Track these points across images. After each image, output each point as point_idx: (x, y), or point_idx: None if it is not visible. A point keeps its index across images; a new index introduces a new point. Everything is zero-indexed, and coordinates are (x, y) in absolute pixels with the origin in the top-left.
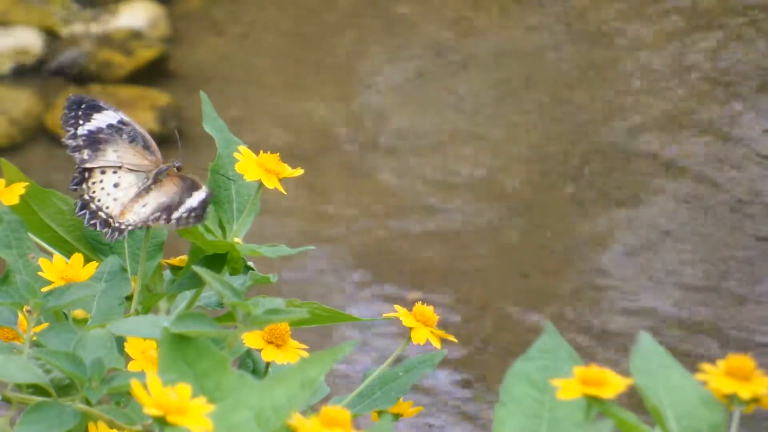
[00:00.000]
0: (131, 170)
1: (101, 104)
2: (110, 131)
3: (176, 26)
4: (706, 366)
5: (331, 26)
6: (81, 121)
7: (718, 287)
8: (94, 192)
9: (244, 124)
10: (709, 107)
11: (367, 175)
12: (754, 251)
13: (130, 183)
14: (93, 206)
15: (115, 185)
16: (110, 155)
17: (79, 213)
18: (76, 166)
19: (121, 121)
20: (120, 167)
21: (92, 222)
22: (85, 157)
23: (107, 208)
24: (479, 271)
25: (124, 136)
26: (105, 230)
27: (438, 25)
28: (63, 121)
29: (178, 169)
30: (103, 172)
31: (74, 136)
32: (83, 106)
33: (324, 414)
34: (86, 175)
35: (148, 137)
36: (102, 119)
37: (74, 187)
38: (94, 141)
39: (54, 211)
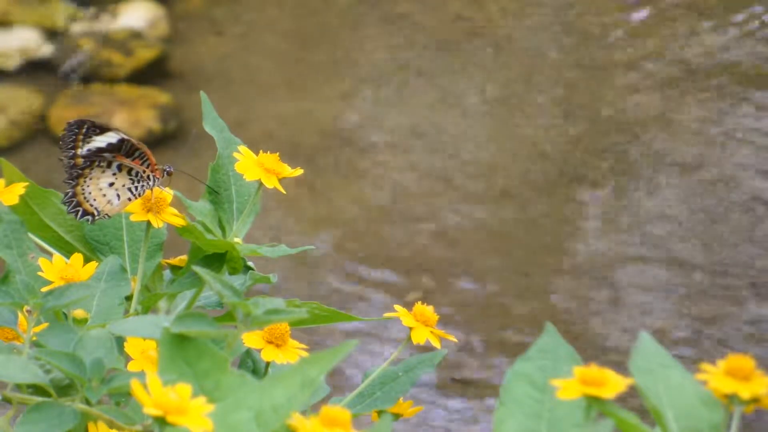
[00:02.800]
0: (128, 174)
1: (104, 126)
2: (110, 147)
3: (176, 26)
4: (706, 366)
5: (330, 26)
6: (81, 144)
7: (722, 291)
8: (87, 185)
9: (244, 124)
10: (709, 106)
11: (366, 174)
12: (756, 251)
13: (123, 184)
14: (82, 198)
15: (111, 184)
16: (108, 158)
17: (66, 199)
18: (72, 168)
19: (120, 140)
20: (119, 171)
21: (75, 209)
22: (83, 164)
23: (95, 200)
24: (479, 271)
25: (123, 150)
26: (86, 218)
27: (438, 24)
28: (62, 144)
29: (169, 174)
30: (102, 171)
31: (73, 157)
32: (84, 129)
33: (324, 414)
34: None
35: (146, 149)
36: (103, 139)
37: (70, 182)
38: (94, 154)
39: (54, 211)
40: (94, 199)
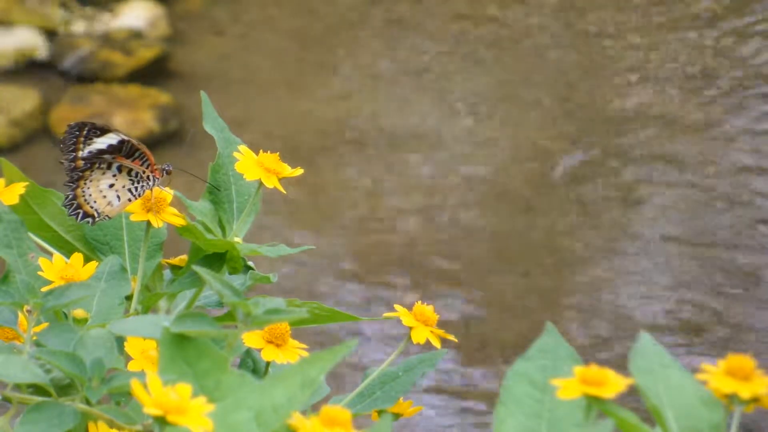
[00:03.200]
0: (128, 174)
1: (105, 127)
2: (110, 149)
3: (176, 26)
4: (706, 366)
5: (330, 26)
6: (82, 146)
7: (718, 290)
8: (87, 188)
9: (244, 124)
10: (708, 106)
11: (366, 174)
12: (750, 248)
13: (123, 185)
14: (83, 200)
15: (111, 186)
16: (108, 159)
17: (67, 202)
18: (73, 171)
19: (121, 141)
20: (119, 172)
21: (76, 212)
22: (84, 166)
23: (95, 202)
24: (479, 271)
25: (123, 151)
26: (87, 220)
27: (438, 24)
28: (63, 146)
29: (168, 173)
30: (102, 173)
31: (74, 159)
32: (85, 132)
33: (324, 414)
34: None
35: (145, 149)
36: (103, 141)
37: (71, 184)
38: (94, 155)
39: (54, 210)
40: (95, 201)
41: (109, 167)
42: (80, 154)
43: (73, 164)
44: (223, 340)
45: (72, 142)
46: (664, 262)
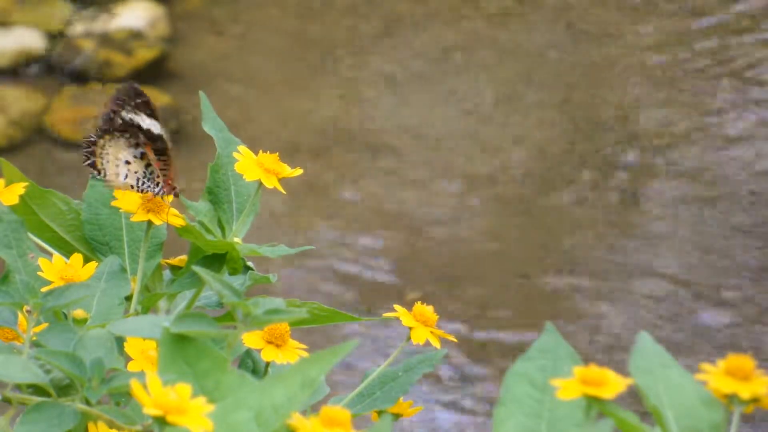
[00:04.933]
0: (145, 167)
1: (155, 111)
2: (147, 134)
3: (176, 26)
4: (706, 366)
5: (330, 26)
6: (129, 108)
7: (718, 292)
8: (110, 146)
9: (244, 124)
10: (708, 106)
11: (366, 174)
12: (751, 250)
13: (136, 171)
14: (99, 152)
15: (127, 162)
16: (141, 140)
17: (86, 142)
18: (109, 122)
19: (159, 135)
20: (140, 158)
21: (88, 153)
22: (119, 125)
23: (107, 162)
24: (479, 272)
25: (155, 144)
26: (93, 171)
27: (438, 24)
28: (112, 101)
29: (176, 194)
30: (128, 145)
31: (117, 113)
32: (139, 100)
33: (324, 414)
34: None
35: (173, 160)
36: (147, 122)
37: (99, 132)
38: (133, 126)
39: (54, 211)
40: (107, 162)
41: (136, 146)
42: (123, 114)
43: (113, 116)
44: (223, 341)
45: (125, 97)
46: (665, 263)
